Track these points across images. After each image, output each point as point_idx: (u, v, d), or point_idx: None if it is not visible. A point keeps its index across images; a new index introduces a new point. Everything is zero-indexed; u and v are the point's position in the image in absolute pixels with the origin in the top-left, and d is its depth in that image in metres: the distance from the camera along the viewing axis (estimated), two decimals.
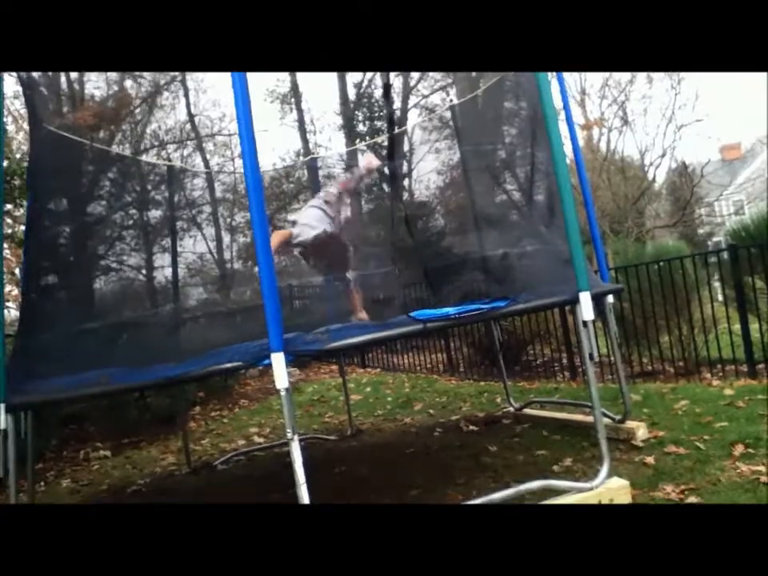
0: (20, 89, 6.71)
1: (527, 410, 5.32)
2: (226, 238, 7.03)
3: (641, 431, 4.02)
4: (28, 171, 4.63)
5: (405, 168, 7.34)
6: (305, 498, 2.63)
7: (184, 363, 3.02)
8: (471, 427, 5.20)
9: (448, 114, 6.31)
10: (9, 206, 6.95)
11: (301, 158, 15.39)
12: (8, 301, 7.78)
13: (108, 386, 3.20)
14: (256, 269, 2.86)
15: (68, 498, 4.91)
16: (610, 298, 4.05)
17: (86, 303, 4.91)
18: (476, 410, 5.91)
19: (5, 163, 4.80)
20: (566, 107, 4.54)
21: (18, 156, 7.46)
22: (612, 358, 4.90)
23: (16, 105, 10.61)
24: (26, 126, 12.18)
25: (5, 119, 3.75)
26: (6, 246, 7.49)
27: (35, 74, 4.44)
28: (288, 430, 2.66)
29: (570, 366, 6.79)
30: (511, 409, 5.47)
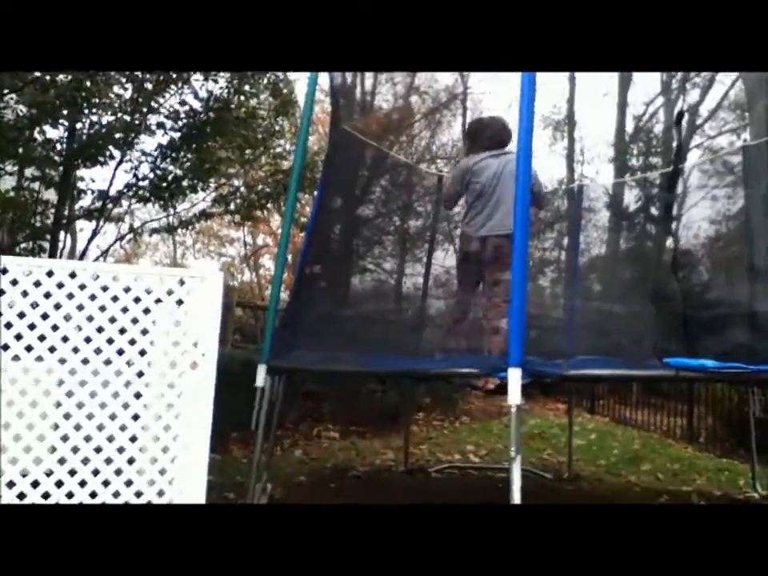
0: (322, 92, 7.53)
1: None
2: None
3: None
4: (323, 165, 5.14)
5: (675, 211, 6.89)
6: None
7: (425, 360, 3.14)
8: (703, 503, 4.70)
9: (734, 160, 5.81)
10: (299, 195, 7.81)
11: (564, 186, 15.12)
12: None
13: (357, 366, 3.46)
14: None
15: (297, 467, 5.39)
16: None
17: (343, 294, 5.35)
18: (712, 486, 5.32)
19: None
20: None
21: (309, 153, 8.32)
22: None
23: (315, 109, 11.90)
24: (320, 129, 13.62)
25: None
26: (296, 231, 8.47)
27: (338, 79, 4.92)
28: (512, 448, 2.64)
29: None
30: (756, 495, 4.86)
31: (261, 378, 3.52)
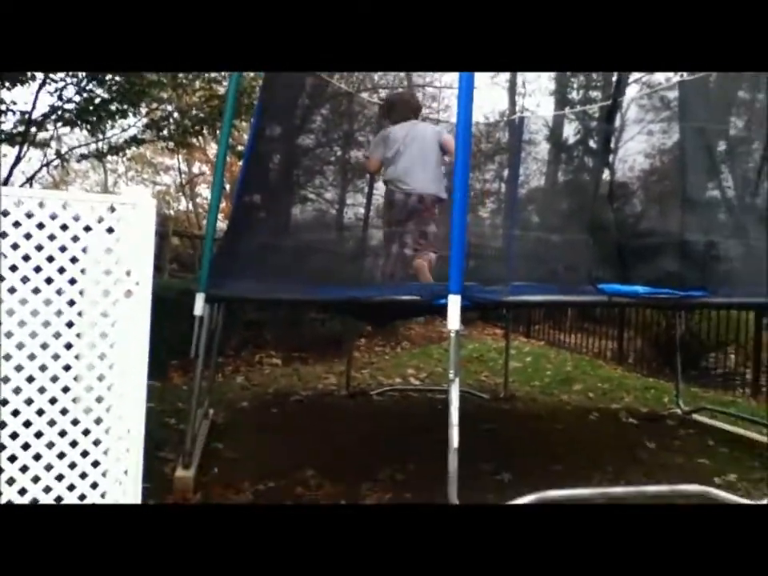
0: None
1: (696, 416, 5.00)
2: None
3: None
4: (260, 91, 4.96)
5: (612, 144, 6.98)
6: (455, 439, 2.68)
7: (367, 289, 3.16)
8: (631, 420, 4.98)
9: (670, 95, 5.87)
10: (235, 122, 7.54)
11: (505, 118, 15.09)
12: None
13: (298, 295, 3.44)
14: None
15: (240, 393, 5.43)
16: None
17: (283, 224, 5.27)
18: (639, 404, 5.64)
19: None
20: None
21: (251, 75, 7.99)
22: None
23: None
24: None
25: None
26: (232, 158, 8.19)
27: None
28: (451, 371, 2.71)
29: (753, 381, 6.23)
30: (678, 411, 5.17)
31: (199, 306, 3.46)
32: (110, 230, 2.20)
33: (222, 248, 4.34)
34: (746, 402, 5.74)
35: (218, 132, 7.84)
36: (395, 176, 4.41)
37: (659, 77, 15.44)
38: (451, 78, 17.37)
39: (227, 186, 10.74)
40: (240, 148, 8.57)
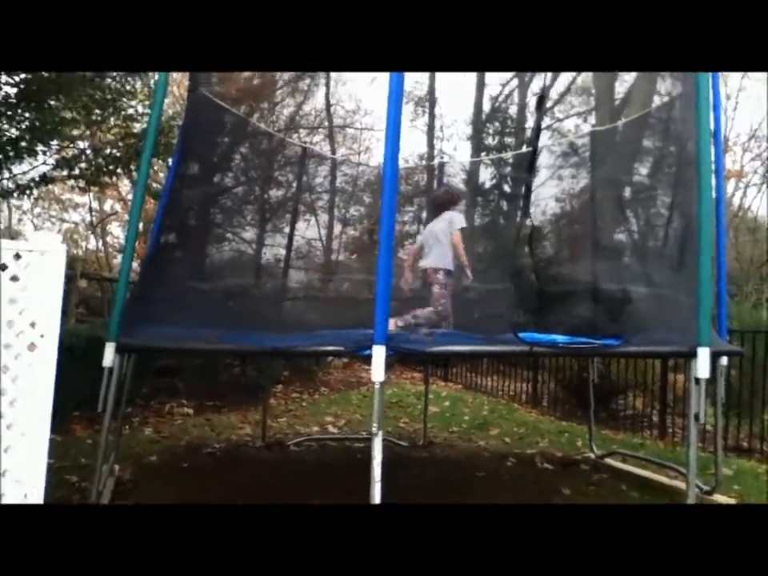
0: None
1: (609, 460, 5.12)
2: (337, 229, 7.16)
3: None
4: (180, 131, 4.86)
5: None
6: (377, 496, 2.62)
7: (288, 337, 3.08)
8: (546, 465, 5.05)
9: (579, 142, 6.18)
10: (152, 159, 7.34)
11: (424, 162, 15.44)
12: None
13: (216, 344, 3.32)
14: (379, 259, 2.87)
15: (148, 446, 5.14)
16: (724, 361, 3.83)
17: (199, 266, 5.13)
18: (554, 448, 5.73)
19: None
20: (718, 156, 4.32)
21: (164, 117, 7.85)
22: (711, 426, 4.63)
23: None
24: (175, 90, 12.87)
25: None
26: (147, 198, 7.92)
27: None
28: (374, 424, 2.67)
29: (660, 423, 6.46)
30: (592, 455, 5.29)
31: (109, 357, 3.27)
32: (15, 279, 2.05)
33: (135, 292, 4.16)
34: (653, 444, 5.93)
35: (132, 170, 7.62)
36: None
37: (568, 123, 16.28)
38: (371, 120, 17.72)
39: (141, 225, 10.41)
40: (156, 186, 8.36)
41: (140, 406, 6.28)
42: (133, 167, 7.48)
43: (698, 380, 2.96)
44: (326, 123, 15.80)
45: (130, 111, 8.02)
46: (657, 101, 4.60)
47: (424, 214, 6.91)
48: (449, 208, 5.33)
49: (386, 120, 2.79)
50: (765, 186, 19.34)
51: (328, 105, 15.94)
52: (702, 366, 2.93)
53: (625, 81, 12.54)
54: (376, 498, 2.62)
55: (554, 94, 15.73)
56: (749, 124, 23.48)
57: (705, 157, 3.06)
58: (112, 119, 8.09)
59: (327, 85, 15.77)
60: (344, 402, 7.44)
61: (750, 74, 17.07)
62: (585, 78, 14.91)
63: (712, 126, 3.49)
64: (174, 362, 6.79)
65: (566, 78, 15.87)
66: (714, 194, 3.52)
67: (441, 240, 5.13)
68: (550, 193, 5.80)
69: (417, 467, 4.86)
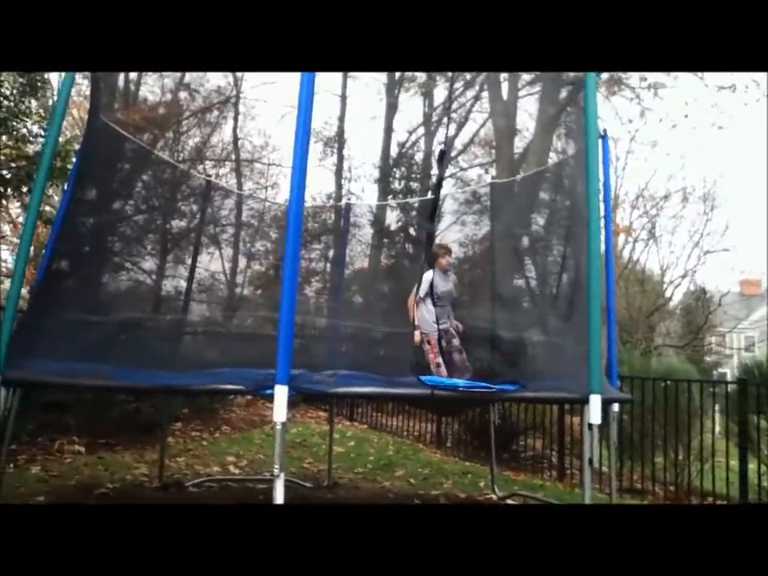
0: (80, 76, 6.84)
1: (510, 501, 5.21)
2: (241, 263, 7.05)
3: None
4: (77, 156, 4.68)
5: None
6: None
7: (185, 375, 2.99)
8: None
9: (482, 191, 6.41)
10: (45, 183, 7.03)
11: (332, 201, 15.56)
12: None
13: (107, 381, 3.16)
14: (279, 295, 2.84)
15: (35, 485, 4.77)
16: (616, 407, 4.00)
17: (93, 296, 4.90)
18: (457, 489, 5.78)
19: None
20: (608, 212, 4.58)
21: (61, 139, 7.57)
22: (606, 468, 4.80)
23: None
24: (74, 112, 12.45)
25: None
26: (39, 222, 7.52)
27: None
28: (276, 466, 2.61)
29: (559, 465, 6.67)
30: (494, 496, 5.36)
31: None
32: None
33: (23, 322, 3.91)
34: (552, 485, 6.10)
35: (23, 193, 7.25)
36: None
37: (471, 173, 16.91)
38: (279, 156, 17.73)
39: (31, 250, 9.89)
40: (48, 210, 7.98)
41: (26, 442, 5.84)
42: (24, 190, 7.13)
43: (590, 425, 3.07)
44: (233, 156, 15.69)
45: (23, 131, 7.67)
46: (553, 157, 4.86)
47: (330, 252, 6.94)
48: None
49: (293, 150, 2.78)
50: (651, 241, 20.71)
51: (236, 138, 15.89)
52: (594, 412, 3.05)
53: (524, 137, 13.25)
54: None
55: (459, 143, 16.38)
56: (636, 184, 25.28)
57: (593, 211, 3.24)
58: (3, 138, 7.71)
59: (236, 118, 15.75)
60: (246, 442, 7.22)
61: (637, 137, 18.37)
62: (487, 131, 15.64)
63: (601, 184, 3.72)
64: (64, 396, 6.40)
65: (470, 128, 16.62)
66: (603, 247, 3.73)
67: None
68: (453, 237, 5.96)
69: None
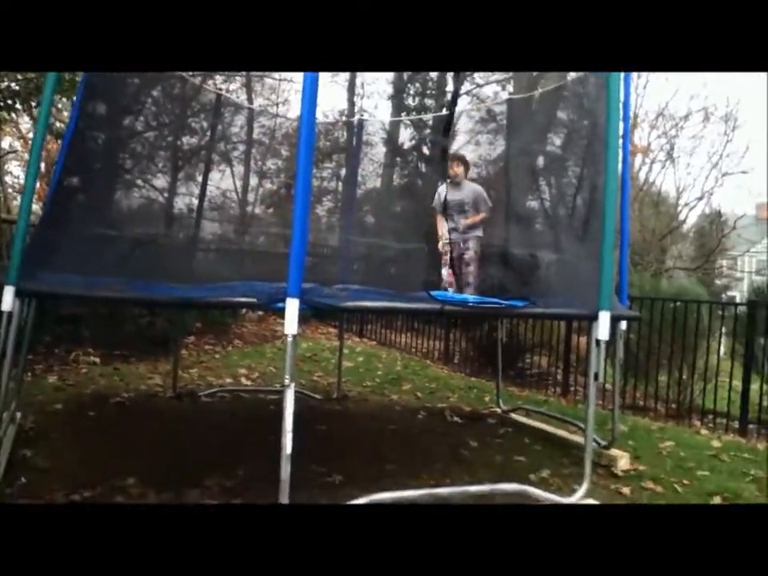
0: None
1: (514, 415, 5.35)
2: (253, 181, 7.00)
3: (623, 461, 4.03)
4: None
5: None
6: (288, 446, 2.65)
7: (198, 289, 3.02)
8: (456, 418, 5.23)
9: (497, 109, 6.25)
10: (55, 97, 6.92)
11: (344, 117, 15.25)
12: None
13: (122, 293, 3.21)
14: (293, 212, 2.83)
15: (52, 393, 4.95)
16: (623, 325, 4.04)
17: (106, 212, 4.90)
18: (463, 403, 5.93)
19: None
20: (626, 132, 4.48)
21: None
22: (610, 385, 4.90)
23: None
24: None
25: None
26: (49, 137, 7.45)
27: None
28: (286, 377, 2.68)
29: (563, 382, 6.80)
30: (498, 410, 5.51)
31: (8, 301, 3.09)
32: None
33: (36, 236, 3.93)
34: (556, 401, 6.24)
35: (33, 107, 7.14)
36: None
37: (488, 90, 16.43)
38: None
39: (43, 166, 9.84)
40: (59, 125, 7.88)
41: (42, 354, 6.01)
42: (33, 103, 7.01)
43: (598, 342, 3.12)
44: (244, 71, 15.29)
45: None
46: (572, 74, 4.69)
47: (342, 171, 6.86)
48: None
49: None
50: (668, 162, 20.29)
51: None
52: (602, 328, 3.08)
53: None
54: (287, 447, 2.64)
55: None
56: (656, 103, 24.61)
57: (613, 130, 3.17)
58: None
59: None
60: (258, 355, 7.39)
61: None
62: None
63: (621, 102, 3.61)
64: (78, 309, 6.52)
65: None
66: (620, 168, 3.67)
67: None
68: (467, 157, 5.86)
69: (330, 419, 4.92)
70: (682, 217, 21.32)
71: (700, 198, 20.41)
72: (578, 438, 4.39)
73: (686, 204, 21.12)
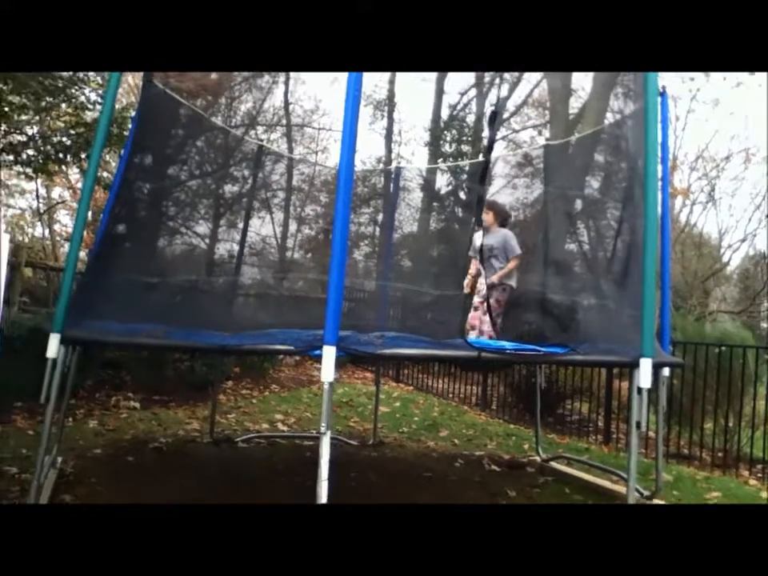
0: None
1: (554, 464, 5.23)
2: (292, 227, 7.12)
3: None
4: (133, 122, 4.77)
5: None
6: (323, 495, 2.63)
7: (237, 335, 3.06)
8: (493, 467, 5.13)
9: (534, 153, 6.29)
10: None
11: (382, 164, 15.49)
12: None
13: (163, 340, 3.26)
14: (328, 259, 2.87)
15: (92, 438, 5.02)
16: (666, 371, 3.94)
17: (150, 259, 5.03)
18: (501, 450, 5.83)
19: None
20: (665, 174, 4.45)
21: (117, 106, 7.71)
22: (653, 433, 4.76)
23: None
24: (129, 80, 12.63)
25: None
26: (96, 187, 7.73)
27: None
28: (322, 424, 2.68)
29: (605, 429, 6.63)
30: (538, 458, 5.39)
31: (53, 348, 3.17)
32: None
33: (82, 284, 4.05)
34: (598, 449, 6.08)
35: (82, 159, 7.44)
36: None
37: (524, 135, 16.54)
38: (330, 120, 17.68)
39: (89, 215, 10.17)
40: (107, 176, 8.18)
41: (84, 398, 6.13)
42: (83, 156, 7.31)
43: (640, 389, 3.05)
44: (284, 121, 15.74)
45: (82, 99, 7.82)
46: (609, 117, 4.71)
47: (380, 216, 6.94)
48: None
49: (344, 119, 2.79)
50: (710, 204, 20.00)
51: (287, 103, 15.93)
52: (644, 376, 3.02)
53: (579, 97, 12.86)
54: (323, 496, 2.62)
55: (511, 105, 16.01)
56: (696, 145, 24.40)
57: (651, 173, 3.16)
58: (63, 106, 7.89)
59: (287, 83, 15.76)
60: (294, 400, 7.40)
61: (698, 96, 17.64)
62: (541, 91, 15.22)
63: (660, 145, 3.60)
64: (121, 355, 6.65)
65: (522, 90, 16.20)
66: (659, 210, 3.63)
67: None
68: (504, 201, 5.88)
69: (366, 466, 4.88)
70: (725, 259, 20.93)
71: (743, 240, 20.01)
72: (620, 488, 4.27)
73: (729, 246, 20.76)
